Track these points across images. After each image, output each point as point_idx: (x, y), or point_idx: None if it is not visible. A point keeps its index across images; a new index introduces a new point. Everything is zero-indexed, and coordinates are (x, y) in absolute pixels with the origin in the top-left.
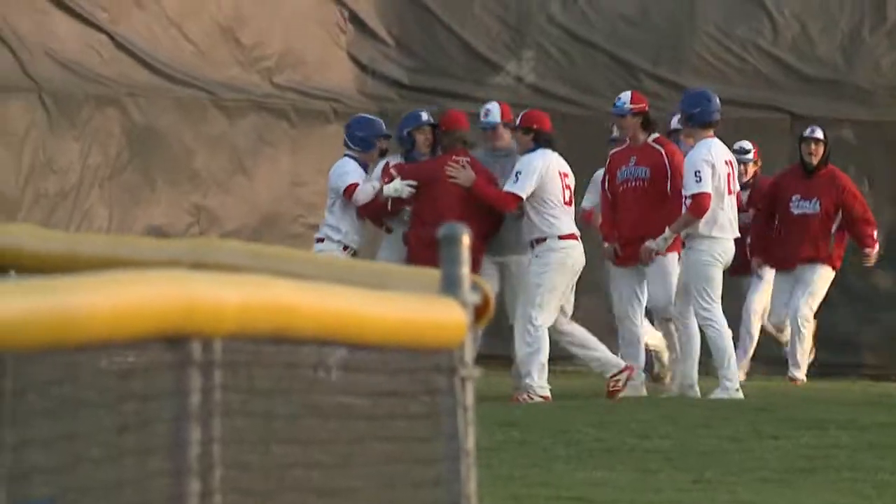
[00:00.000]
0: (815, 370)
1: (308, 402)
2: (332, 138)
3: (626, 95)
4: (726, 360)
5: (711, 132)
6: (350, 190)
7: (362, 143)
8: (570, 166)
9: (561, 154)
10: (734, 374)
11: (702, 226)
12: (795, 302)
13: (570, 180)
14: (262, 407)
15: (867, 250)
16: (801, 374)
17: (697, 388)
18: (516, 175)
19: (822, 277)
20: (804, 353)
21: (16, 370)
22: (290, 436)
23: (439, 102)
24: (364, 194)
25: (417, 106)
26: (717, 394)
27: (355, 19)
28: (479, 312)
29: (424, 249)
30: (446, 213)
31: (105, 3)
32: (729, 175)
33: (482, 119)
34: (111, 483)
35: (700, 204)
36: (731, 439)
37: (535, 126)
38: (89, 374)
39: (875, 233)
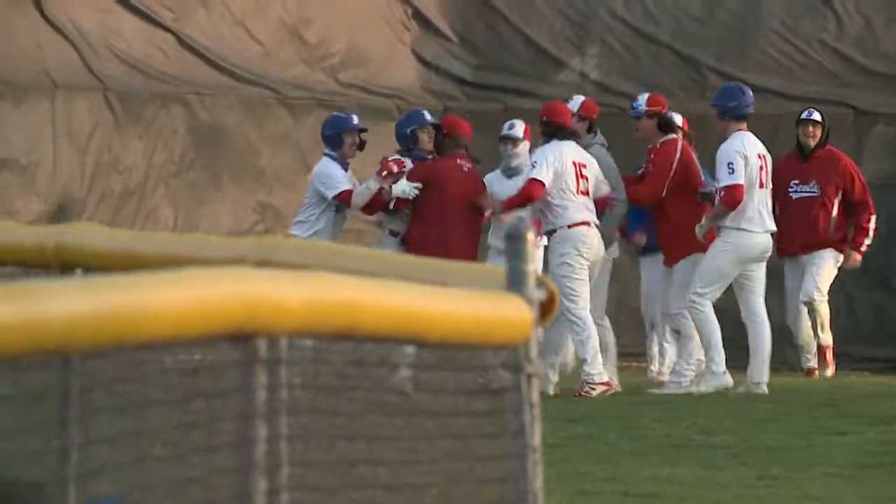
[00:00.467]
0: (882, 365)
1: (373, 399)
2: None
3: (643, 97)
4: (712, 347)
5: (745, 125)
6: (344, 197)
7: (331, 140)
8: (635, 162)
9: (626, 151)
10: (720, 360)
11: (729, 219)
12: (806, 290)
13: (589, 170)
14: (328, 404)
15: (854, 254)
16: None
17: (765, 387)
18: (532, 165)
19: (828, 262)
20: (820, 338)
21: (83, 368)
22: (356, 432)
23: (503, 99)
24: (361, 198)
25: (482, 103)
26: (706, 383)
27: (419, 16)
28: (544, 309)
29: (423, 249)
30: (448, 214)
31: (170, 2)
32: (762, 168)
33: (505, 131)
34: (178, 480)
35: (733, 195)
36: (797, 435)
37: (545, 118)
38: (156, 371)
39: (871, 220)
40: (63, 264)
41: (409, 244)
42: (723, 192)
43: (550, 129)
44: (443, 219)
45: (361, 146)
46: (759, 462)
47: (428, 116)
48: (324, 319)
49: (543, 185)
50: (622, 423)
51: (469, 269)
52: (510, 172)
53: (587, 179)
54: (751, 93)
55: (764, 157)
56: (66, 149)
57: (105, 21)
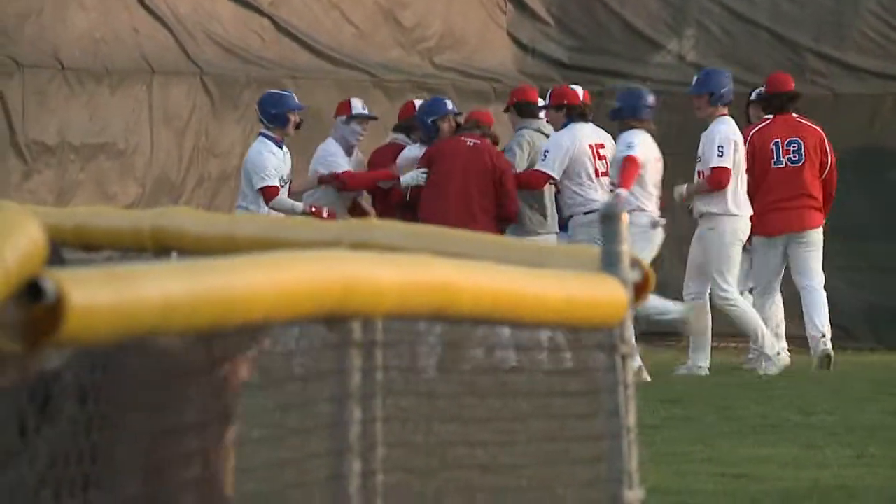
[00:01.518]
0: None
1: (469, 381)
2: (493, 117)
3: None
4: (759, 333)
5: (726, 109)
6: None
7: (276, 119)
8: None
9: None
10: (771, 344)
11: (717, 205)
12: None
13: (606, 150)
14: (424, 387)
15: None
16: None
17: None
18: (545, 153)
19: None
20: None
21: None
22: (453, 414)
23: (601, 81)
24: (284, 211)
25: (579, 84)
26: (764, 367)
27: None
28: (638, 290)
29: (422, 220)
30: (445, 186)
31: None
32: (746, 154)
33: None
34: (273, 462)
35: (719, 177)
36: (895, 414)
37: (565, 101)
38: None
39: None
40: (159, 248)
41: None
42: (709, 173)
43: (573, 112)
44: (441, 191)
45: (298, 126)
46: (856, 441)
47: (450, 106)
48: (418, 301)
49: (549, 177)
50: (720, 404)
51: (566, 251)
52: None
53: (604, 159)
54: (729, 77)
55: (741, 143)
56: (164, 133)
57: (201, 6)
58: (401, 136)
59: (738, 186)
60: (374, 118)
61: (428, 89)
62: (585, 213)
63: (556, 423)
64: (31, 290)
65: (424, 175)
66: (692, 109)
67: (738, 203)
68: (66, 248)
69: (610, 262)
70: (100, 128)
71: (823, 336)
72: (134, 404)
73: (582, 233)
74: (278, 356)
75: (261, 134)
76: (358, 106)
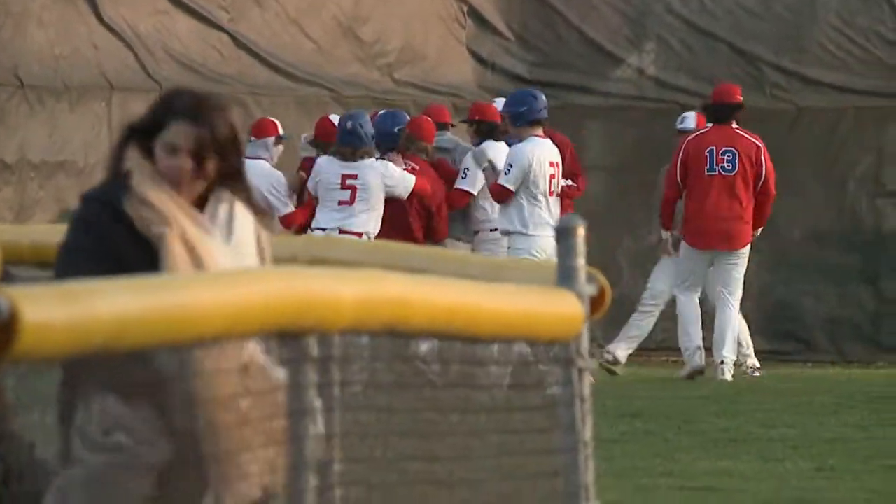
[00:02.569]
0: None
1: (426, 396)
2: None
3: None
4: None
5: (541, 130)
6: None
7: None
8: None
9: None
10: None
11: (512, 223)
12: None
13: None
14: (381, 401)
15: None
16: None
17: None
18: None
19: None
20: None
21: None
22: (409, 429)
23: (561, 96)
24: None
25: None
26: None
27: (474, 14)
28: (595, 304)
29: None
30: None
31: (225, 3)
32: (552, 176)
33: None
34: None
35: (498, 195)
36: (856, 427)
37: (477, 118)
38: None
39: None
40: None
41: None
42: (490, 188)
43: (484, 128)
44: (387, 217)
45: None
46: (817, 454)
47: (407, 116)
48: (374, 316)
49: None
50: (681, 418)
51: (522, 265)
52: None
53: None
54: (543, 98)
55: (556, 164)
56: None
57: (161, 22)
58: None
59: (536, 206)
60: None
61: (388, 104)
62: (491, 231)
63: (514, 437)
64: None
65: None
66: (651, 124)
67: (534, 223)
68: (22, 265)
69: (566, 277)
70: (59, 145)
71: (723, 362)
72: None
73: (486, 250)
74: (236, 372)
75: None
76: (280, 128)
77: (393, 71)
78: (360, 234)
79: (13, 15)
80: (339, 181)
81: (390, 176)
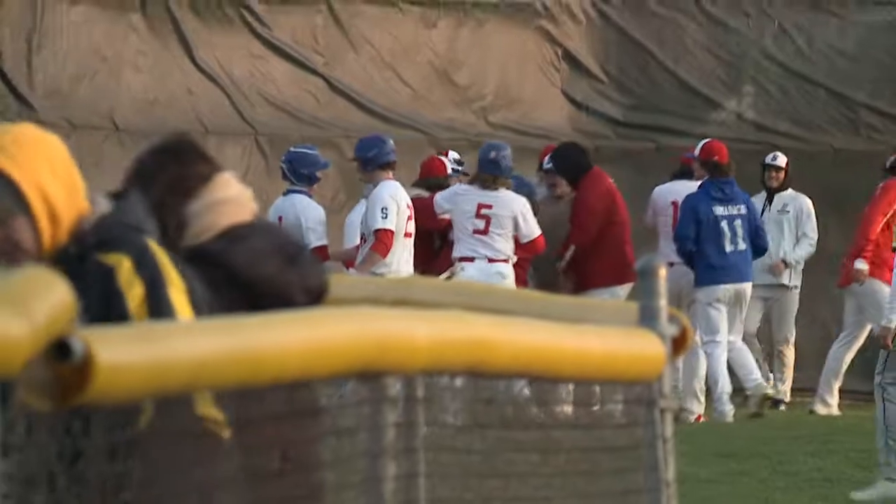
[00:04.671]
0: None
1: (508, 437)
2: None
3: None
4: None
5: (390, 173)
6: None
7: (308, 179)
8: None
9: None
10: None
11: (375, 264)
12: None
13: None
14: (461, 442)
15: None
16: None
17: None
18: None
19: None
20: None
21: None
22: (490, 470)
23: (656, 139)
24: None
25: (634, 142)
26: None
27: (569, 57)
28: (677, 344)
29: None
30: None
31: (320, 48)
32: (409, 217)
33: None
34: None
35: (385, 240)
36: None
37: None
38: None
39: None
40: None
41: None
42: (374, 238)
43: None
44: None
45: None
46: None
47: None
48: (453, 357)
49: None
50: (776, 459)
51: (605, 306)
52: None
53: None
54: (391, 143)
55: (410, 206)
56: None
57: (256, 67)
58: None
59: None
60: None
61: None
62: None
63: (596, 478)
64: (60, 349)
65: None
66: (748, 165)
67: (387, 263)
68: None
69: (648, 317)
70: None
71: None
72: (166, 461)
73: None
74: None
75: (295, 191)
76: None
77: (488, 114)
78: (505, 261)
79: (108, 60)
80: (475, 210)
81: (525, 214)
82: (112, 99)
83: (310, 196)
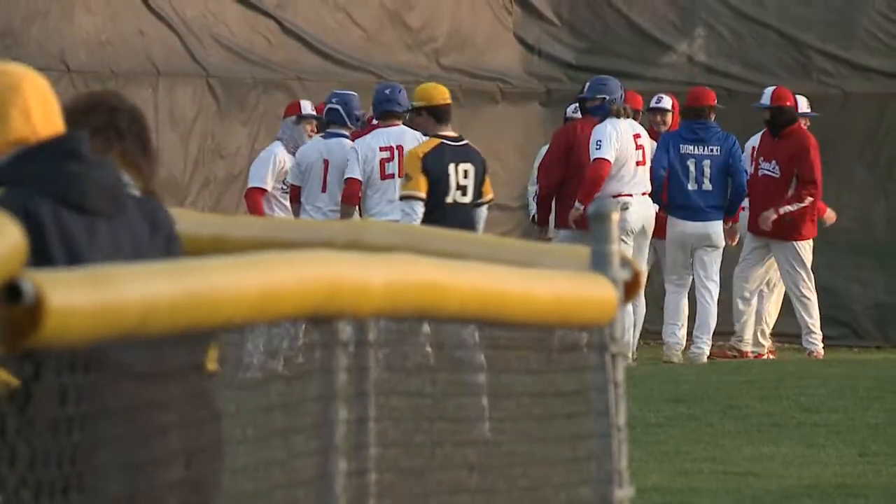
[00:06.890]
0: None
1: (456, 381)
2: (498, 118)
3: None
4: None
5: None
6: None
7: (357, 120)
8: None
9: (733, 131)
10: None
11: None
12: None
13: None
14: (411, 386)
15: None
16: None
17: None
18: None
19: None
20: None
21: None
22: (440, 414)
23: None
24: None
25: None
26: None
27: (521, 0)
28: (629, 289)
29: None
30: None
31: None
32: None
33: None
34: (260, 463)
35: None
36: None
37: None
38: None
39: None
40: None
41: None
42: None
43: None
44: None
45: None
46: (860, 440)
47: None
48: (405, 301)
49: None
50: (725, 403)
51: (556, 250)
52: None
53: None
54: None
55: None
56: (169, 135)
57: (208, 8)
58: None
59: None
60: (320, 118)
61: None
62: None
63: (546, 422)
64: (10, 291)
65: None
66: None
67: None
68: None
69: (600, 262)
70: None
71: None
72: (115, 405)
73: None
74: (263, 356)
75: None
76: (307, 107)
77: (440, 57)
78: None
79: (60, 1)
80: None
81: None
82: (63, 41)
83: (352, 140)
